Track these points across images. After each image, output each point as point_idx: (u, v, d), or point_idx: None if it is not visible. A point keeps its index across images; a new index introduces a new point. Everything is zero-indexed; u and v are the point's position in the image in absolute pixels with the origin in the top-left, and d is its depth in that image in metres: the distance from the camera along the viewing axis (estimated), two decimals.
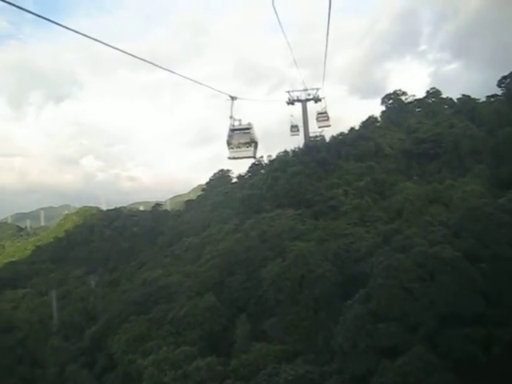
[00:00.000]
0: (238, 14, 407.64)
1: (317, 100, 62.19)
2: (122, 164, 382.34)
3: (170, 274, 47.76)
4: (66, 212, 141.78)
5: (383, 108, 79.69)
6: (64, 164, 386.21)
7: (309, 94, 63.23)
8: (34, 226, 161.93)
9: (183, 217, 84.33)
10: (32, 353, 48.17)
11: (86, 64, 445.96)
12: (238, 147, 21.09)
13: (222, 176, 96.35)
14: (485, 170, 49.65)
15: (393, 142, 66.24)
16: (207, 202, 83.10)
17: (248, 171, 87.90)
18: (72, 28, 9.77)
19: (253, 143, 21.13)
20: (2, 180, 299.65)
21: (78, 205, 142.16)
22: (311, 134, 65.46)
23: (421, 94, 79.66)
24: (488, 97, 69.87)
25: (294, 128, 61.03)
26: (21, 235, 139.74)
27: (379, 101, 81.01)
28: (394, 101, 78.77)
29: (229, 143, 21.14)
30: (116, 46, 11.12)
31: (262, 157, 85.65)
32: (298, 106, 64.34)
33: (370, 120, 77.16)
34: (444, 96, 78.78)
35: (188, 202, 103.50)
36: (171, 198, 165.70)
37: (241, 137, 21.07)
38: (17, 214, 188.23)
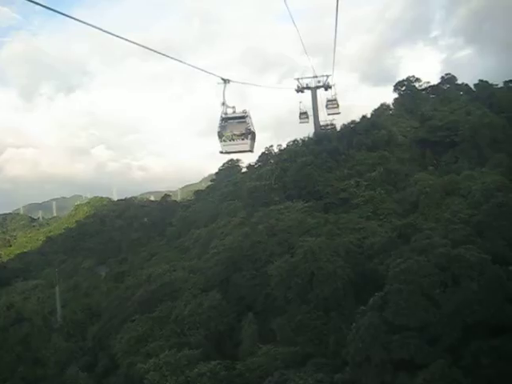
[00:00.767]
0: (249, 1, 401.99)
1: (327, 87, 59.83)
2: (133, 154, 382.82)
3: (175, 269, 46.04)
4: (78, 202, 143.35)
5: (395, 95, 77.01)
6: (75, 154, 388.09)
7: (319, 81, 60.96)
8: (47, 216, 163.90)
9: (192, 207, 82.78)
10: (34, 351, 46.93)
11: (96, 54, 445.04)
12: (232, 139, 18.03)
13: (231, 166, 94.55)
14: (504, 159, 47.06)
15: (406, 130, 63.94)
16: (216, 193, 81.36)
17: (258, 161, 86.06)
18: (81, 19, 9.57)
19: (249, 134, 18.06)
20: (15, 171, 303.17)
21: (90, 195, 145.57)
22: (321, 123, 63.14)
23: (433, 81, 76.98)
24: (506, 82, 66.83)
25: (303, 115, 59.08)
26: (33, 226, 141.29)
27: (391, 88, 78.38)
28: (407, 87, 75.87)
29: (220, 135, 18.17)
30: (125, 37, 10.89)
31: (271, 146, 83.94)
32: (308, 94, 62.07)
33: (383, 108, 74.80)
34: (459, 82, 75.84)
35: (197, 192, 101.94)
36: (182, 188, 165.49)
37: (235, 127, 17.88)
38: (29, 204, 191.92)
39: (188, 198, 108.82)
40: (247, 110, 18.05)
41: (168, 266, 47.61)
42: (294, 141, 65.70)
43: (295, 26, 24.68)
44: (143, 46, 12.37)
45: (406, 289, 22.85)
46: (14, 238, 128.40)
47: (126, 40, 11.22)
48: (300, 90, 60.88)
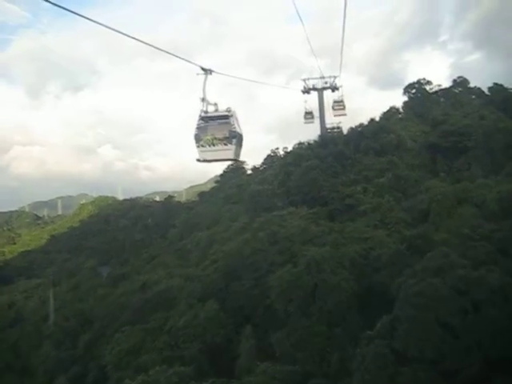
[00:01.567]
0: (256, 3, 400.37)
1: (334, 89, 58.25)
2: (139, 153, 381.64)
3: (172, 276, 43.93)
4: (84, 201, 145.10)
5: (405, 98, 74.61)
6: (82, 153, 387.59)
7: (326, 83, 59.32)
8: (52, 214, 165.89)
9: (196, 209, 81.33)
10: (24, 358, 45.02)
11: (103, 53, 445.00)
12: (212, 144, 14.90)
13: (236, 167, 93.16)
14: None
15: (416, 134, 61.64)
16: (220, 195, 80.00)
17: (263, 163, 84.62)
18: (90, 17, 9.58)
19: (234, 139, 14.94)
20: (21, 169, 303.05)
21: (96, 194, 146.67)
22: (328, 126, 61.13)
23: (442, 85, 74.43)
24: None
25: (308, 115, 57.85)
26: (38, 224, 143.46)
27: (398, 92, 76.78)
28: (417, 90, 73.37)
29: (197, 138, 15.03)
30: (134, 36, 10.82)
31: (277, 148, 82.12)
32: (314, 95, 60.04)
33: (392, 111, 72.70)
34: (471, 85, 73.45)
35: (201, 193, 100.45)
36: (187, 188, 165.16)
37: (216, 129, 14.82)
38: (35, 202, 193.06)
39: (192, 199, 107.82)
40: (232, 108, 15.10)
41: (164, 272, 45.52)
42: (298, 144, 63.64)
43: (303, 26, 22.99)
44: (149, 45, 12.06)
45: (419, 316, 20.39)
46: (19, 235, 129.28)
47: (134, 38, 11.03)
48: (306, 91, 59.16)
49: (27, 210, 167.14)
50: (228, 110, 15.06)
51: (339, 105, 55.57)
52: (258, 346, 35.33)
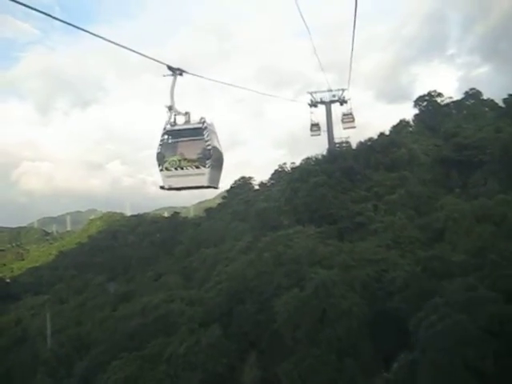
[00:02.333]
0: (263, 18, 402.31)
1: (342, 102, 56.81)
2: (148, 169, 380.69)
3: (173, 300, 41.68)
4: (93, 216, 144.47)
5: (414, 112, 72.79)
6: (91, 169, 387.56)
7: (334, 96, 57.78)
8: (61, 230, 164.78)
9: (202, 225, 79.76)
10: None
11: (111, 69, 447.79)
12: (180, 167, 11.67)
13: (243, 183, 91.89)
14: None
15: (428, 148, 59.61)
16: (228, 211, 78.51)
17: (270, 178, 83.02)
18: (98, 34, 9.50)
19: (208, 160, 11.68)
20: (30, 185, 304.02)
21: (105, 209, 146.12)
22: (336, 140, 59.21)
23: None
24: None
25: (314, 127, 56.59)
26: (47, 239, 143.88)
27: (406, 106, 75.97)
28: (428, 103, 71.39)
29: (160, 159, 12.02)
30: (141, 52, 10.49)
31: (285, 163, 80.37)
32: (322, 109, 58.32)
33: (402, 124, 70.69)
34: (484, 97, 71.28)
35: (208, 210, 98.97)
36: (195, 204, 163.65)
37: (185, 146, 11.75)
38: (44, 218, 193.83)
39: (200, 215, 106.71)
40: (208, 118, 11.93)
41: (166, 295, 43.34)
42: (306, 159, 61.70)
43: (311, 40, 21.41)
44: (156, 60, 11.08)
45: (444, 360, 17.83)
46: (27, 251, 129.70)
47: (139, 54, 10.57)
48: (313, 104, 57.55)
49: (36, 225, 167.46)
50: (202, 121, 12.00)
51: (348, 117, 54.80)
52: (262, 376, 33.25)
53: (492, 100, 69.91)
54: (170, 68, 11.55)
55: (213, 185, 12.24)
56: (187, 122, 12.05)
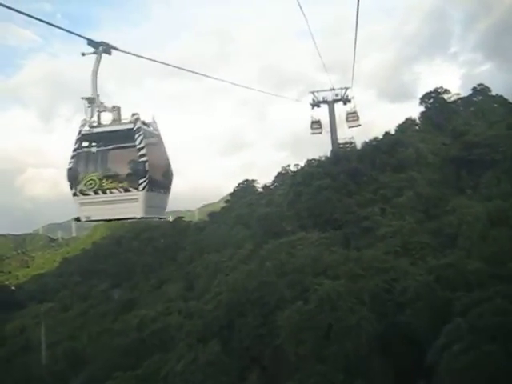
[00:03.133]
0: (264, 20, 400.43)
1: (345, 101, 54.70)
2: None
3: (170, 312, 39.66)
4: None
5: (418, 110, 70.44)
6: None
7: (336, 95, 55.80)
8: (66, 236, 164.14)
9: (206, 230, 78.05)
10: None
11: (113, 75, 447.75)
12: (101, 190, 8.05)
13: (247, 186, 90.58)
14: None
15: (436, 147, 57.04)
16: (231, 214, 76.81)
17: (274, 181, 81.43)
18: (99, 40, 8.90)
19: (142, 178, 8.15)
20: (35, 191, 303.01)
21: None
22: (340, 141, 56.96)
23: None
24: None
25: (315, 124, 55.07)
26: (52, 246, 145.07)
27: (409, 104, 74.29)
28: (434, 100, 68.88)
29: (72, 177, 8.60)
30: (141, 55, 9.35)
31: (288, 165, 78.64)
32: (324, 109, 56.29)
33: (408, 122, 68.28)
34: (493, 93, 68.83)
35: (212, 213, 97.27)
36: (200, 208, 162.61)
37: (111, 158, 8.25)
38: (49, 224, 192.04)
39: (204, 219, 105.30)
40: (150, 117, 8.84)
41: (164, 307, 41.33)
42: (308, 161, 59.47)
43: (314, 41, 20.12)
44: (159, 62, 11.38)
45: None
46: (32, 258, 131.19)
47: (146, 58, 10.57)
48: (316, 104, 55.52)
49: (41, 232, 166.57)
50: (134, 120, 8.73)
51: (353, 116, 53.93)
52: None
53: (501, 96, 67.41)
54: (90, 43, 8.75)
55: (153, 215, 8.88)
56: (115, 120, 8.89)
